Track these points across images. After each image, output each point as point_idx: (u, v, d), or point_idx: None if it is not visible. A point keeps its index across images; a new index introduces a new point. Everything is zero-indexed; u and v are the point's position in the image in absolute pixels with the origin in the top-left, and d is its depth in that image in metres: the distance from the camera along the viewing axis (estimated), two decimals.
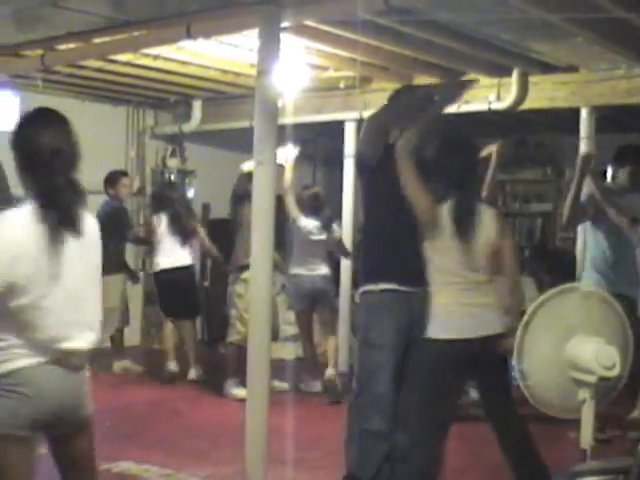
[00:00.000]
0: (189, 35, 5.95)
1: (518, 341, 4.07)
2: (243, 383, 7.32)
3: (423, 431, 4.39)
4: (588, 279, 6.34)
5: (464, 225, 4.43)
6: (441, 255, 4.43)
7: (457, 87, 5.01)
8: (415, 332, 4.53)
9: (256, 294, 5.20)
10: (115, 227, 8.37)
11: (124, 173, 9.02)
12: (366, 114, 8.51)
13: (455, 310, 4.38)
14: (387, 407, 4.61)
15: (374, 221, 4.81)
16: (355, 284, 7.90)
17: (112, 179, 8.72)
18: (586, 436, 3.94)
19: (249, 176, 6.96)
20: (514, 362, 4.10)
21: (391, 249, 4.66)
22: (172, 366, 8.47)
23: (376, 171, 4.66)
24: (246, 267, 6.50)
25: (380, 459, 4.66)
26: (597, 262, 6.39)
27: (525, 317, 4.11)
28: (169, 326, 8.62)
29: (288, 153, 7.63)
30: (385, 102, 4.93)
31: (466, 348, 4.32)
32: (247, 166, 7.11)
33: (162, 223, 8.50)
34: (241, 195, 7.52)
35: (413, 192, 4.38)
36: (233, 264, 7.79)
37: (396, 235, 4.65)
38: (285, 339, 9.49)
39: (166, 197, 8.74)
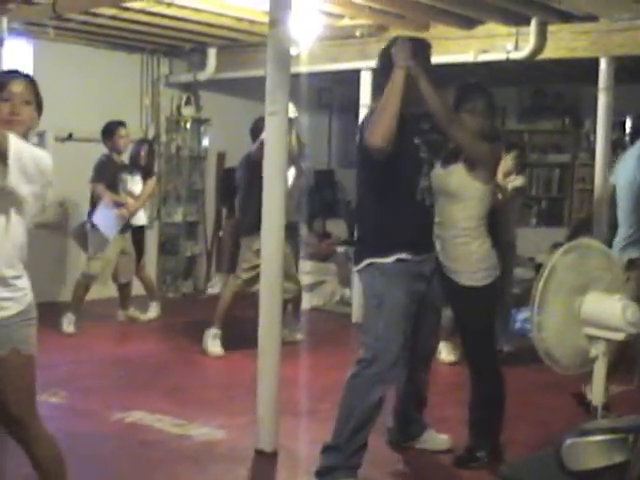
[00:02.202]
0: None
1: (539, 292, 4.01)
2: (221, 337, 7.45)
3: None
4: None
5: None
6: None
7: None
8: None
9: (268, 244, 5.16)
10: (102, 178, 8.32)
11: (121, 123, 8.58)
12: None
13: None
14: (397, 370, 4.58)
15: (382, 193, 4.54)
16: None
17: (109, 130, 8.46)
18: (597, 393, 3.92)
19: None
20: (533, 312, 4.05)
21: (404, 218, 4.53)
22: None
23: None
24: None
25: (368, 430, 4.59)
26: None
27: (547, 269, 4.05)
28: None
29: None
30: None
31: None
32: None
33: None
34: (257, 162, 7.33)
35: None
36: (249, 223, 7.52)
37: (408, 204, 4.55)
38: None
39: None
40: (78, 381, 6.49)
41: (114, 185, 8.38)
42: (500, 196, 6.80)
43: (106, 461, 4.96)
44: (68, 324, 8.21)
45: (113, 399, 6.08)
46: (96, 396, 6.16)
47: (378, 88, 4.64)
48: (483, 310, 4.82)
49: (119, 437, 5.33)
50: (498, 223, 7.60)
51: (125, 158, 8.65)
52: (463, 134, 4.63)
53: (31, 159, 3.26)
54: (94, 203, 8.39)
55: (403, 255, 4.47)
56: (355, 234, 4.91)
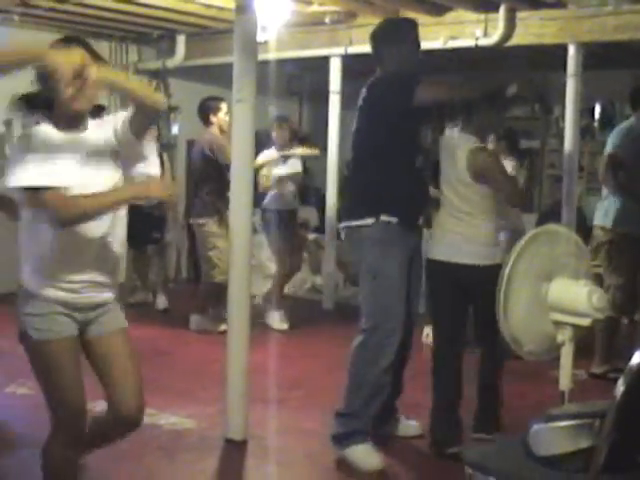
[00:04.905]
0: None
1: (506, 278, 4.01)
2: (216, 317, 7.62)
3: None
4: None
5: None
6: None
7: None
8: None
9: (236, 230, 5.11)
10: None
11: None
12: (351, 50, 8.49)
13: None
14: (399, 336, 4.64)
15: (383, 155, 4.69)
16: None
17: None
18: (564, 378, 3.93)
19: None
20: (499, 299, 4.05)
21: (396, 182, 4.64)
22: None
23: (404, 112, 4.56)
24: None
25: (384, 395, 4.75)
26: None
27: (513, 255, 4.05)
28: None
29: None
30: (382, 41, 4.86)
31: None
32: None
33: None
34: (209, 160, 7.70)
35: None
36: (204, 208, 7.78)
37: (401, 168, 4.67)
38: (268, 276, 9.47)
39: None
40: None
41: None
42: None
43: None
44: None
45: None
46: None
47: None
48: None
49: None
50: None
51: None
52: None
53: None
54: None
55: (394, 219, 4.58)
56: (345, 198, 5.06)
